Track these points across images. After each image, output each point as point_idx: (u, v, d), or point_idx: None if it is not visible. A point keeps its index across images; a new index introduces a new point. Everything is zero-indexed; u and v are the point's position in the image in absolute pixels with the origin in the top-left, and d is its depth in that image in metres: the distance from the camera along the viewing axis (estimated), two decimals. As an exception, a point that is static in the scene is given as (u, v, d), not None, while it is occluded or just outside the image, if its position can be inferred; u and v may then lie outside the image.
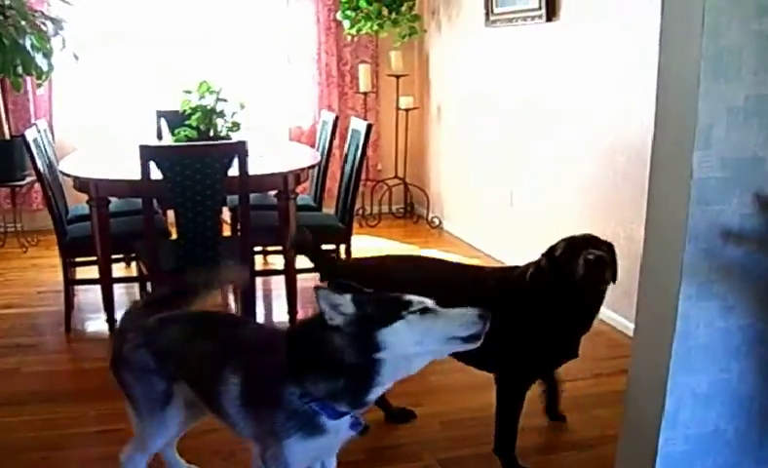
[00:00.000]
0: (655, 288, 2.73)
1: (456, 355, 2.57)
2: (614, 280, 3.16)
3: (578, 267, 3.02)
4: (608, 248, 3.17)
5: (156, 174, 4.27)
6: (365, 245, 7.04)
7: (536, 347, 3.25)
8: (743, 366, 2.73)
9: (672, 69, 2.55)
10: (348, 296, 2.25)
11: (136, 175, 4.30)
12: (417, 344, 2.23)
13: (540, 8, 5.75)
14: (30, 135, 4.83)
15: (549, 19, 5.72)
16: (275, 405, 2.36)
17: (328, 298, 2.22)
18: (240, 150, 4.37)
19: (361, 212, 8.07)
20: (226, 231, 6.15)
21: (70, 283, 5.12)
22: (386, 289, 2.87)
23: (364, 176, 7.76)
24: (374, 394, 2.34)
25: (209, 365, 2.57)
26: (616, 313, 4.91)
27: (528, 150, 6.21)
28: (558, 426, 3.80)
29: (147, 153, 4.23)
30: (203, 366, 2.62)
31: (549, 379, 3.72)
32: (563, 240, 3.18)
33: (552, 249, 3.21)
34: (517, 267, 3.40)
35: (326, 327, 2.24)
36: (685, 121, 2.45)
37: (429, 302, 2.27)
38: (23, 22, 6.01)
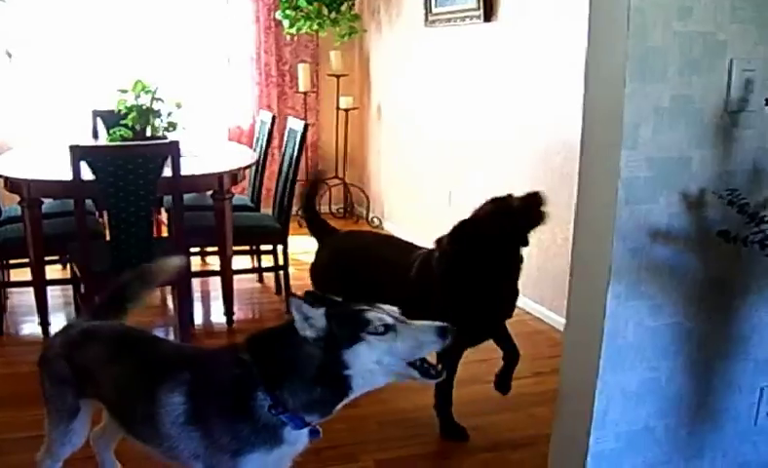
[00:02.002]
0: (584, 287, 2.76)
1: None
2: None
3: (513, 201, 3.46)
4: None
5: (88, 174, 4.20)
6: (304, 245, 6.98)
7: (461, 314, 3.37)
8: (671, 364, 2.76)
9: (599, 70, 2.57)
10: (321, 311, 2.19)
11: (70, 176, 4.21)
12: (377, 364, 2.20)
13: (478, 8, 5.78)
14: (-40, 135, 4.72)
15: (487, 19, 5.75)
16: (237, 418, 2.26)
17: (301, 309, 2.17)
18: (173, 150, 4.31)
19: (301, 212, 8.01)
20: (164, 232, 6.08)
21: (3, 285, 5.01)
22: (367, 263, 3.75)
23: (303, 177, 7.77)
24: (343, 404, 2.31)
25: (134, 391, 2.48)
26: (555, 312, 4.95)
27: (467, 150, 6.23)
28: (496, 425, 3.82)
29: (78, 153, 4.14)
30: (126, 393, 2.54)
31: (508, 347, 3.76)
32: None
33: (471, 220, 3.58)
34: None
35: (299, 336, 2.20)
36: (612, 121, 2.47)
37: (390, 319, 2.21)
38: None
